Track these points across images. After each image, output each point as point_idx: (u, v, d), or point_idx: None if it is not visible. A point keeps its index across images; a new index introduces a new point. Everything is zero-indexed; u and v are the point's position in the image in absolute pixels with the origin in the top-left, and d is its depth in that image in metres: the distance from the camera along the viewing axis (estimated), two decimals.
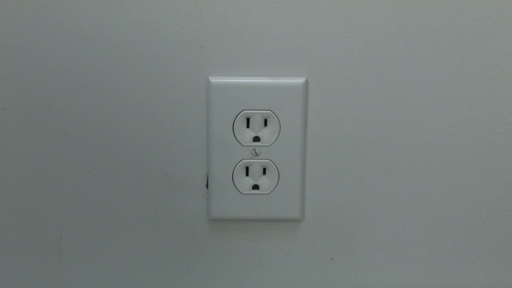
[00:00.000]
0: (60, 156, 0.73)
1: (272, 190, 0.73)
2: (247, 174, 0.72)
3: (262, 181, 0.73)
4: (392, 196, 0.74)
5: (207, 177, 0.73)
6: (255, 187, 0.73)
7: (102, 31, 0.69)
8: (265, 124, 0.71)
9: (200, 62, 0.70)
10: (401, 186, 0.73)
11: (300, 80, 0.70)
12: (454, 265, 0.76)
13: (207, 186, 0.73)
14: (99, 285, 0.77)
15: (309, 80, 0.70)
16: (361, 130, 0.72)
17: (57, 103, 0.71)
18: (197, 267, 0.76)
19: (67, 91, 0.71)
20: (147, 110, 0.71)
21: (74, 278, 0.76)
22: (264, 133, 0.71)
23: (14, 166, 0.73)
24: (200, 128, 0.72)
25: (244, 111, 0.70)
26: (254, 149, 0.71)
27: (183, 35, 0.69)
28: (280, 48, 0.69)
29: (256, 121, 0.71)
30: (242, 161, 0.72)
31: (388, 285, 0.77)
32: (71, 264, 0.76)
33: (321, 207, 0.74)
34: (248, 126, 0.71)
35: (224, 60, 0.70)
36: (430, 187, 0.73)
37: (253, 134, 0.71)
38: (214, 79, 0.70)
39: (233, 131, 0.71)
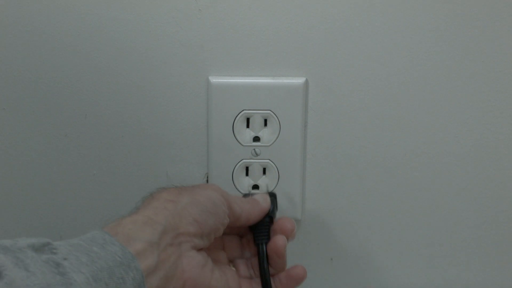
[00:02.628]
0: (60, 156, 0.73)
1: (272, 190, 0.72)
2: (247, 174, 0.72)
3: (262, 181, 0.73)
4: (392, 196, 0.74)
5: (207, 177, 0.73)
6: (255, 187, 0.73)
7: (102, 31, 0.69)
8: (265, 124, 0.71)
9: (200, 62, 0.70)
10: (401, 186, 0.73)
11: (300, 80, 0.70)
12: (454, 265, 0.76)
13: None
14: None
15: (309, 80, 0.70)
16: (361, 130, 0.72)
17: (57, 103, 0.71)
18: None
19: (67, 91, 0.71)
20: (147, 110, 0.71)
21: None
22: (264, 133, 0.71)
23: (14, 166, 0.73)
24: (200, 128, 0.72)
25: (244, 111, 0.70)
26: (254, 149, 0.71)
27: (183, 35, 0.69)
28: (280, 48, 0.69)
29: (256, 121, 0.71)
30: (242, 161, 0.72)
31: (388, 285, 0.77)
32: None
33: (321, 207, 0.74)
34: (248, 126, 0.71)
35: (224, 60, 0.70)
36: (430, 187, 0.73)
37: (253, 134, 0.71)
38: (214, 79, 0.70)
39: (233, 131, 0.71)
